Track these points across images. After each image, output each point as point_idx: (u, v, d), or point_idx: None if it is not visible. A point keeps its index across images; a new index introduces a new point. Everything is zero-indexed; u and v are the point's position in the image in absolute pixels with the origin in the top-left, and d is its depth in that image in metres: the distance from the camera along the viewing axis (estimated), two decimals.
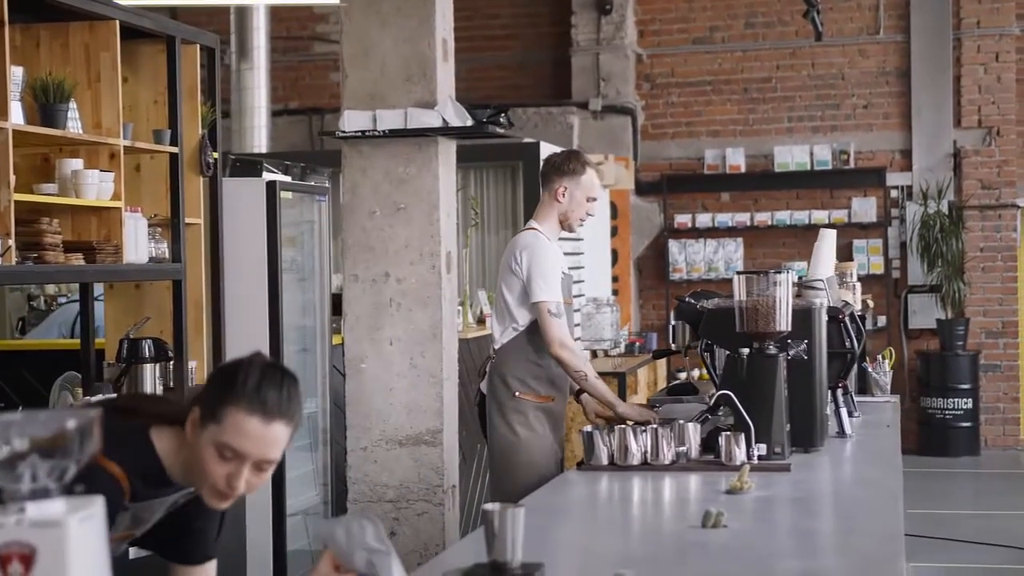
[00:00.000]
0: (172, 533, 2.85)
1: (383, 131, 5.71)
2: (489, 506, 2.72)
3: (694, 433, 4.32)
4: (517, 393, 5.22)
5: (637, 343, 11.06)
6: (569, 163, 5.36)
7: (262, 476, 2.63)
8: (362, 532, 2.53)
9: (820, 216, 12.65)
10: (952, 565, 8.22)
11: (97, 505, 1.76)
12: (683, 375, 12.10)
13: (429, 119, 5.72)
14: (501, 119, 6.09)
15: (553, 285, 5.16)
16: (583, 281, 10.56)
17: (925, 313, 12.65)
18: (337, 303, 6.14)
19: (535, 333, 5.18)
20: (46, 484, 1.73)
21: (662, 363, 11.34)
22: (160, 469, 2.68)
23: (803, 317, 4.51)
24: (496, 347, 5.32)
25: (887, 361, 6.42)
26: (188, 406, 2.67)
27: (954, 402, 12.31)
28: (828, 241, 5.49)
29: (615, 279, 12.41)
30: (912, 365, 12.73)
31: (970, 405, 12.34)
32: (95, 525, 1.74)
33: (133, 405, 2.77)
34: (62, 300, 8.44)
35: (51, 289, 8.28)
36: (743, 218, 12.89)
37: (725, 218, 12.93)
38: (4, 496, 1.74)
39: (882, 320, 12.61)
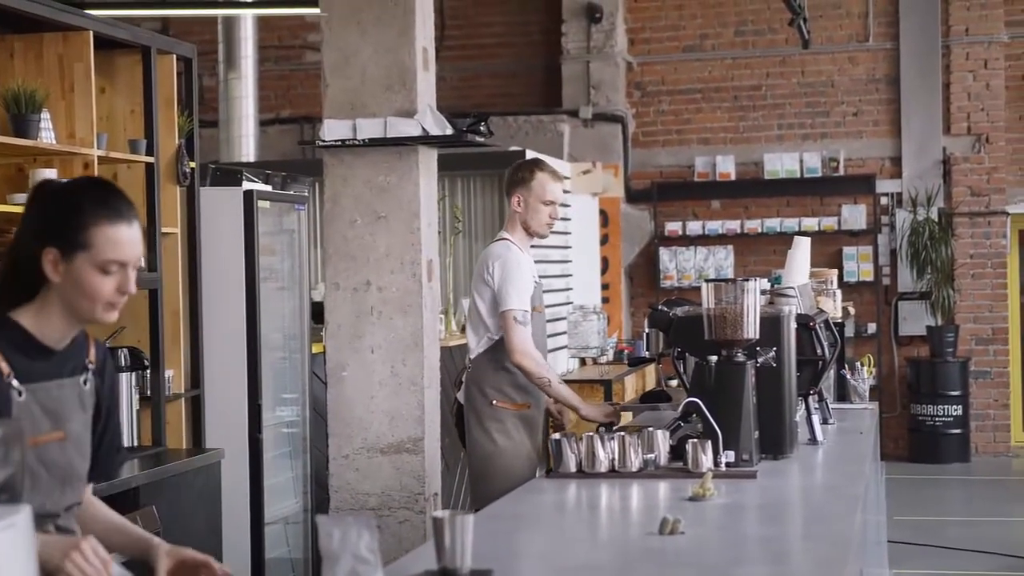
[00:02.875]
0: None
1: (363, 140, 5.73)
2: (438, 514, 2.75)
3: (663, 440, 4.32)
4: (494, 402, 5.30)
5: (626, 351, 11.05)
6: (518, 172, 5.47)
7: (134, 276, 2.75)
8: (357, 539, 2.55)
9: (810, 223, 12.66)
10: (941, 572, 8.22)
11: (22, 514, 1.77)
12: (674, 382, 12.09)
13: (408, 128, 5.74)
14: (481, 128, 6.11)
15: (522, 295, 5.23)
16: (571, 289, 10.58)
17: (915, 320, 12.66)
18: (319, 311, 6.16)
19: None
20: None
21: (651, 370, 11.33)
22: (34, 341, 2.73)
23: (772, 325, 4.52)
24: (471, 356, 5.41)
25: (865, 368, 6.42)
26: (30, 255, 2.70)
27: (944, 409, 12.31)
28: (802, 249, 5.51)
29: (606, 287, 12.43)
30: (902, 372, 12.74)
31: (960, 412, 12.34)
32: (19, 533, 1.75)
33: None
34: None
35: None
36: (733, 225, 12.90)
37: (715, 226, 12.95)
38: None
39: (872, 327, 12.62)
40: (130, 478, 4.75)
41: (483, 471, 5.30)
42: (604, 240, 12.40)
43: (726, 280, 4.43)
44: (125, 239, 2.70)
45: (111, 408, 2.93)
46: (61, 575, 2.56)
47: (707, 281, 4.44)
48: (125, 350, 5.45)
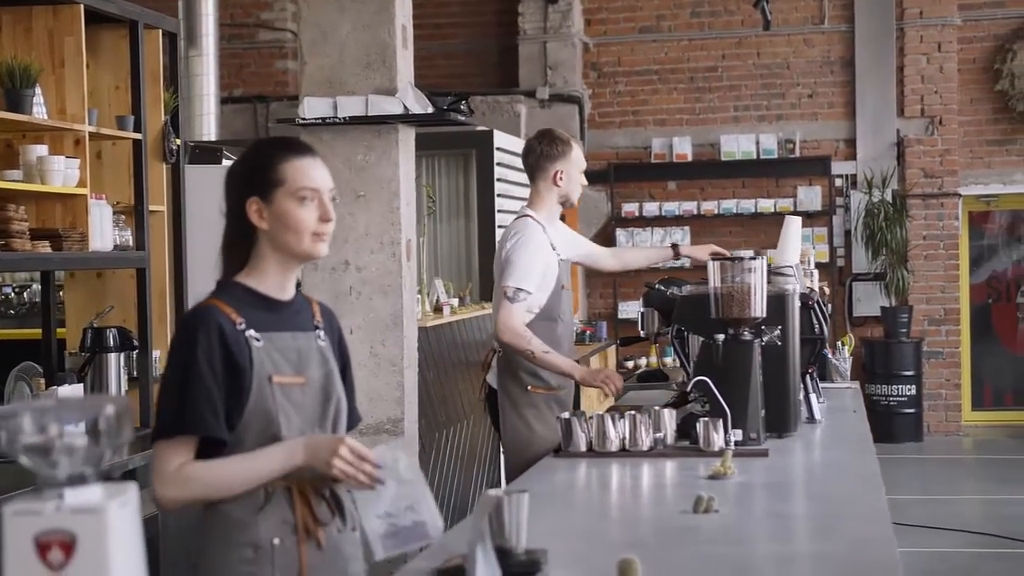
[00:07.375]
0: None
1: (343, 118, 5.67)
2: (493, 492, 2.72)
3: (670, 419, 4.32)
4: (529, 387, 5.15)
5: (587, 332, 11.08)
6: (556, 146, 5.34)
7: (332, 206, 2.90)
8: (395, 463, 2.54)
9: (766, 205, 12.73)
10: (897, 549, 8.30)
11: (132, 492, 1.73)
12: (630, 363, 12.14)
13: (390, 106, 5.69)
14: (461, 107, 6.07)
15: (523, 273, 5.08)
16: None
17: (869, 301, 12.78)
18: None
19: (543, 323, 5.12)
20: (83, 470, 1.70)
21: (611, 351, 11.37)
22: (257, 294, 2.88)
23: (777, 303, 4.52)
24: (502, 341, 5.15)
25: (847, 348, 6.46)
26: (239, 215, 2.88)
27: (898, 388, 12.45)
28: (794, 227, 5.52)
29: None
30: (857, 352, 12.84)
31: (913, 391, 12.48)
32: (132, 511, 1.72)
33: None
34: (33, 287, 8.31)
35: (21, 276, 8.19)
36: (690, 207, 12.94)
37: (672, 207, 12.98)
38: (41, 483, 1.72)
39: (827, 308, 12.70)
40: (127, 460, 4.68)
41: (520, 458, 5.08)
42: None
43: (732, 258, 4.42)
44: (313, 168, 2.88)
45: (346, 365, 3.04)
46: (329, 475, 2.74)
47: (714, 259, 4.43)
48: (114, 330, 5.36)
